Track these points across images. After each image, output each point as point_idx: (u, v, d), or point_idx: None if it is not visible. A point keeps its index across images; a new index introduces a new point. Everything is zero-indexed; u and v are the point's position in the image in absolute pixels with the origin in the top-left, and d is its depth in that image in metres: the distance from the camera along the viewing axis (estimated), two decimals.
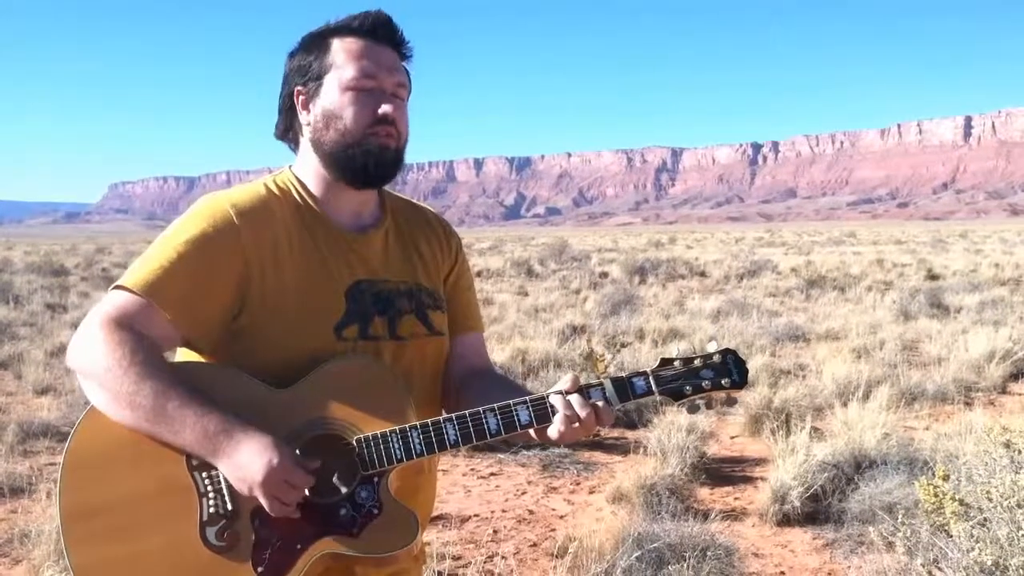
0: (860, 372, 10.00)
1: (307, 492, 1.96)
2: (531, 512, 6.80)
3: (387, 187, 2.30)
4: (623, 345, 10.86)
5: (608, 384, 2.09)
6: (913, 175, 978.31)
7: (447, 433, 2.03)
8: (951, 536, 4.01)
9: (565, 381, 2.10)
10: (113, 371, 1.92)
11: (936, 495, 4.21)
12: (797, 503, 6.33)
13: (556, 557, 5.58)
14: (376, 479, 2.01)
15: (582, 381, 2.11)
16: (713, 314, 17.28)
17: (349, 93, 2.11)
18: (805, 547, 6.00)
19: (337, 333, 2.10)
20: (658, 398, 2.12)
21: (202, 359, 2.12)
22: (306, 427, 2.00)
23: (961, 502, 4.10)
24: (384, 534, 1.99)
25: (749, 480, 7.45)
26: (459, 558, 5.76)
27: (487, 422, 2.05)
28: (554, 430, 2.06)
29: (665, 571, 5.00)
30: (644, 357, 11.13)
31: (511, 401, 2.07)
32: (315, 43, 2.16)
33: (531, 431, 2.09)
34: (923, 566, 3.75)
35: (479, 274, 31.35)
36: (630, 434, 8.77)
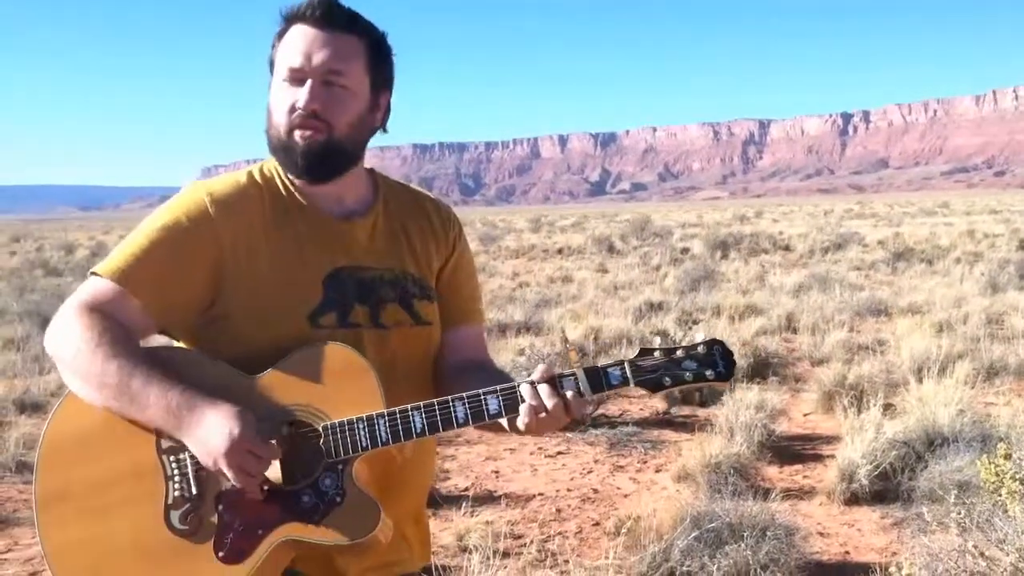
0: (939, 347, 9.76)
1: (270, 475, 1.96)
2: (596, 491, 6.80)
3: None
4: (694, 322, 10.77)
5: (581, 374, 2.03)
6: (1010, 142, 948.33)
7: (414, 422, 2.00)
8: (1011, 516, 3.91)
9: (538, 371, 2.05)
10: (83, 352, 1.95)
11: (997, 474, 4.10)
12: (865, 481, 6.22)
13: (616, 536, 5.57)
14: (341, 467, 1.99)
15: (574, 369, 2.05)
16: (794, 289, 17.03)
17: (280, 85, 2.09)
18: (872, 526, 5.91)
19: (313, 321, 2.08)
20: (634, 389, 2.06)
21: (184, 345, 2.14)
22: (275, 413, 2.00)
23: (1022, 481, 4.00)
24: (345, 523, 1.96)
25: (819, 458, 7.34)
26: (520, 537, 5.79)
27: (455, 411, 2.01)
28: (521, 421, 2.02)
29: (723, 551, 4.96)
30: (718, 333, 11.00)
31: (481, 390, 2.03)
32: (278, 33, 2.12)
33: (505, 423, 2.06)
34: (975, 547, 3.66)
35: (560, 251, 31.34)
36: (701, 412, 8.70)
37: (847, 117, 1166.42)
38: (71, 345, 1.97)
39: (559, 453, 7.72)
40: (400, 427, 2.00)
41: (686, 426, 8.34)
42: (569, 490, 6.83)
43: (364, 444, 1.99)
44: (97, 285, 2.04)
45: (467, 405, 2.02)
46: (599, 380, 2.04)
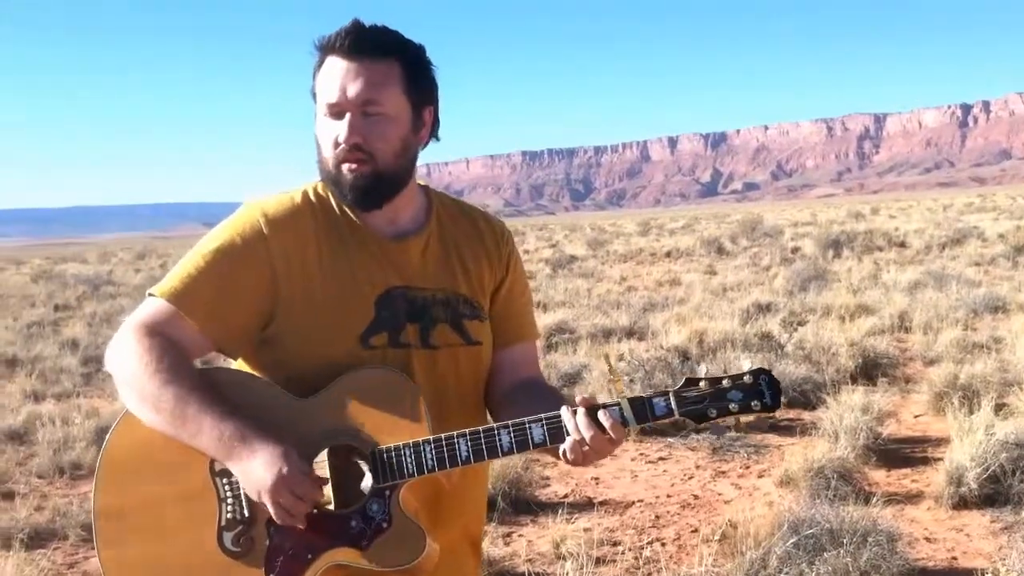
0: None
1: (320, 503, 2.00)
2: (696, 497, 6.73)
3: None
4: (800, 323, 10.56)
5: (626, 404, 2.02)
6: None
7: (459, 449, 2.02)
8: None
9: (579, 400, 2.04)
10: (141, 375, 2.01)
11: None
12: (974, 485, 6.03)
13: (717, 543, 5.50)
14: (388, 493, 2.02)
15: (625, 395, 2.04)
16: (908, 287, 16.57)
17: (323, 120, 2.11)
18: (981, 531, 5.72)
19: (363, 341, 2.11)
20: (679, 420, 2.04)
21: (245, 366, 2.19)
22: (324, 437, 2.04)
23: None
24: (391, 549, 2.00)
25: (929, 461, 7.13)
26: (616, 544, 5.76)
27: (500, 439, 2.03)
28: (562, 450, 2.03)
29: (822, 557, 4.86)
30: (827, 334, 10.79)
31: (526, 419, 2.04)
32: (317, 63, 2.13)
33: (559, 453, 2.05)
34: None
35: (668, 254, 31.06)
36: (806, 415, 8.52)
37: (966, 108, 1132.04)
38: (130, 366, 2.03)
39: (660, 459, 7.66)
40: (446, 454, 2.02)
41: (791, 430, 8.17)
42: (669, 496, 6.78)
43: (410, 470, 2.02)
44: (154, 306, 2.10)
45: (512, 434, 2.04)
46: (644, 411, 2.04)
